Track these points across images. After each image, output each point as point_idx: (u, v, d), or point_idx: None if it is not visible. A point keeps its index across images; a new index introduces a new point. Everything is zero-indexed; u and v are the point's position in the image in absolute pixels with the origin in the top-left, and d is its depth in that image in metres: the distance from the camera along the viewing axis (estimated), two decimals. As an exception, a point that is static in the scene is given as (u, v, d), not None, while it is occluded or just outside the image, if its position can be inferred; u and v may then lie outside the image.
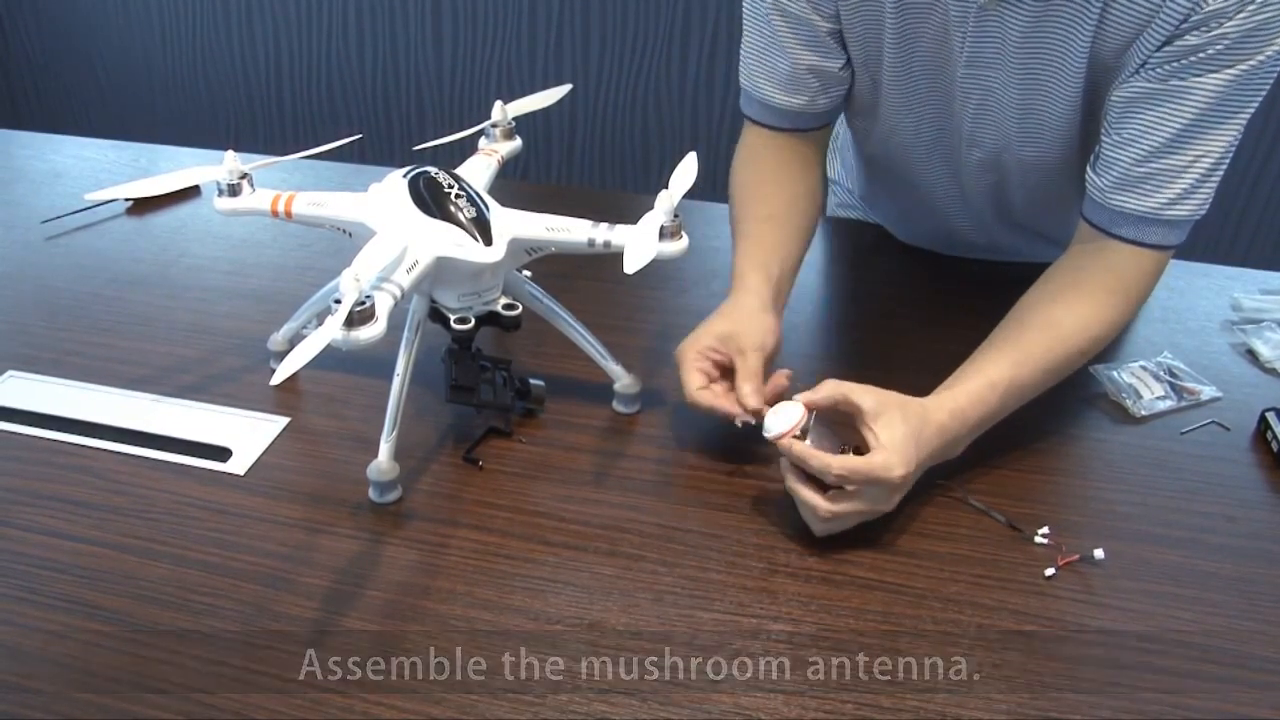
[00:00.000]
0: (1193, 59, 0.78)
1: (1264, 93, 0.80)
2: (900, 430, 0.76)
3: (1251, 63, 0.77)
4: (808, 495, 0.78)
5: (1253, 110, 0.80)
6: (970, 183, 1.02)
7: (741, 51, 0.98)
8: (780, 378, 0.87)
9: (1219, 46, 0.76)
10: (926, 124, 0.97)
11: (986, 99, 0.91)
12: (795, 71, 0.95)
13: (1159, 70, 0.80)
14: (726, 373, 0.87)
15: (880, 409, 0.77)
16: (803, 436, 0.78)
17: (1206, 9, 0.75)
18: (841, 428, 0.80)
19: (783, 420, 0.79)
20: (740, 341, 0.85)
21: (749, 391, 0.83)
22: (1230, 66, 0.77)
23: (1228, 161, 0.82)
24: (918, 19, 0.88)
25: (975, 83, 0.90)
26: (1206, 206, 0.84)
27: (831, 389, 0.79)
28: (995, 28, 0.85)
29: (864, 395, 0.78)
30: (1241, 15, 0.75)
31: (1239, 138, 0.82)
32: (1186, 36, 0.77)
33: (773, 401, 0.83)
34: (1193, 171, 0.82)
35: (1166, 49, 0.79)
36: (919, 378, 0.85)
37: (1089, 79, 0.85)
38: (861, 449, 0.78)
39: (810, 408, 0.79)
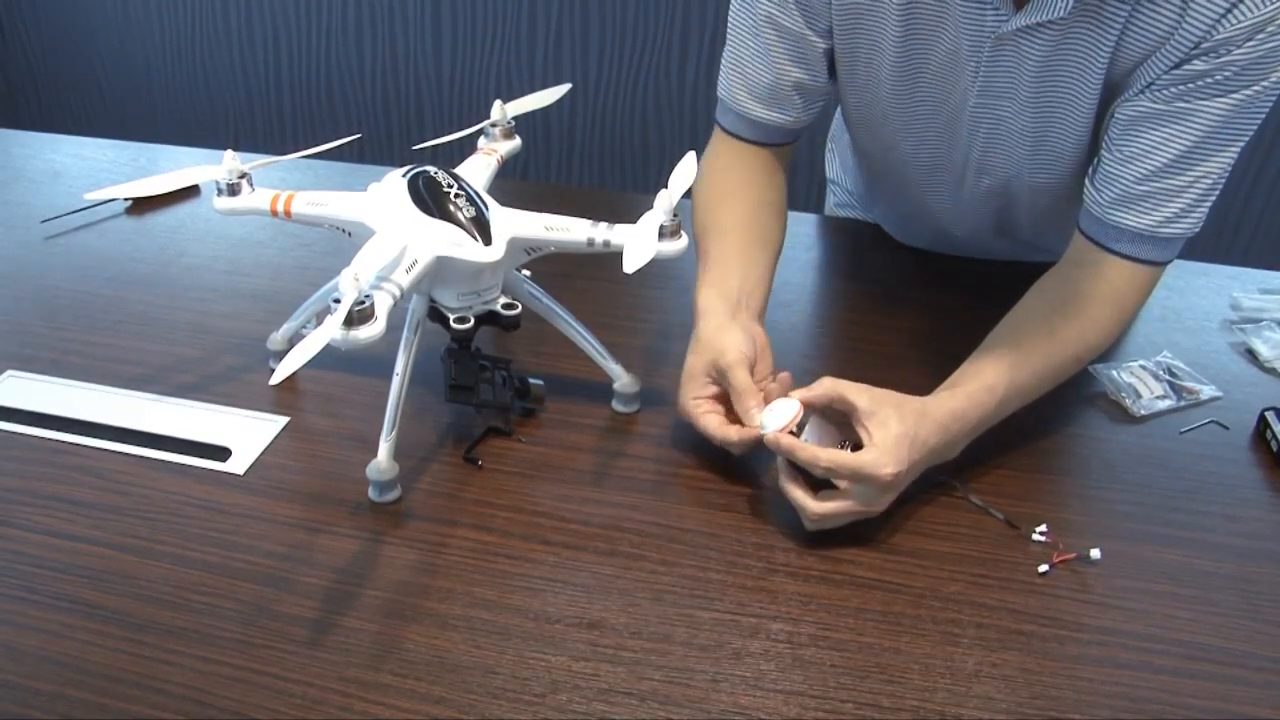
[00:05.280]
0: (1200, 83, 0.78)
1: (1263, 116, 0.80)
2: (894, 429, 0.76)
3: (1256, 88, 0.78)
4: (797, 495, 0.78)
5: (1252, 133, 0.81)
6: (973, 205, 1.02)
7: (723, 62, 0.97)
8: (776, 386, 0.84)
9: (1226, 73, 0.77)
10: (928, 147, 0.97)
11: (998, 128, 0.91)
12: (779, 86, 0.94)
13: (1165, 92, 0.80)
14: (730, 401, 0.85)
15: (875, 407, 0.77)
16: (797, 433, 0.78)
17: (1217, 36, 0.76)
18: (843, 427, 0.80)
19: (777, 417, 0.79)
20: (719, 363, 0.83)
21: (750, 408, 0.81)
22: (1235, 92, 0.78)
23: (1224, 182, 0.83)
24: (924, 46, 0.87)
25: (987, 112, 0.89)
26: (1200, 225, 0.85)
27: (827, 387, 0.79)
28: (1011, 58, 0.84)
29: (859, 394, 0.78)
30: (1251, 43, 0.75)
31: (1235, 159, 0.82)
32: (1195, 61, 0.78)
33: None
34: (1191, 192, 0.83)
35: (1175, 72, 0.79)
36: (919, 378, 0.85)
37: (1102, 103, 0.85)
38: (860, 447, 0.78)
39: (805, 405, 0.79)
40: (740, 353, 0.83)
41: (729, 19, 0.95)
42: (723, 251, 0.93)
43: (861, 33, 0.89)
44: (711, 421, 0.84)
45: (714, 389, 0.85)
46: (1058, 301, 0.88)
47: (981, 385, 0.83)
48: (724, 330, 0.85)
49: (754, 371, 0.84)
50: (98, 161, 1.36)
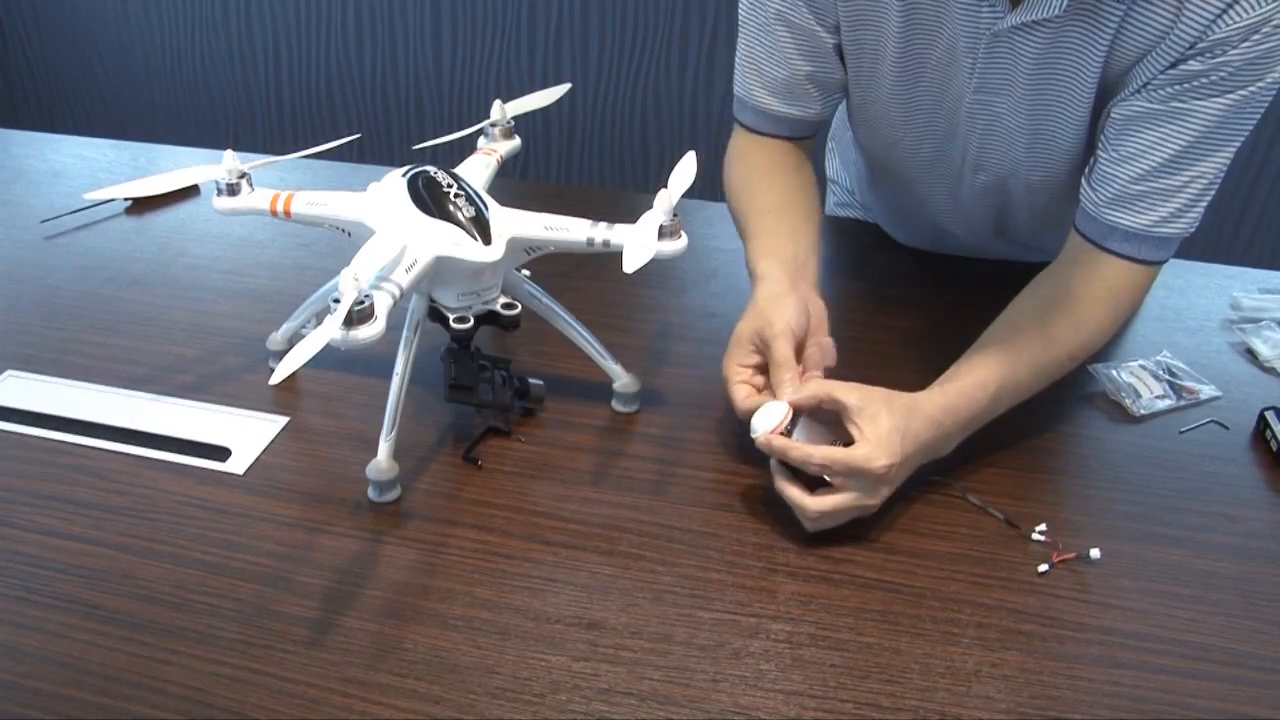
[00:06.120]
0: (1196, 83, 0.78)
1: (1259, 116, 0.80)
2: (885, 424, 0.76)
3: (1251, 88, 0.78)
4: (794, 494, 0.78)
5: (1248, 133, 0.81)
6: (972, 203, 1.02)
7: (737, 59, 0.97)
8: (815, 350, 0.83)
9: (1222, 73, 0.77)
10: (928, 143, 0.97)
11: (994, 124, 0.91)
12: (794, 80, 0.94)
13: (1161, 91, 0.80)
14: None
15: (864, 404, 0.78)
16: (788, 435, 0.78)
17: (1213, 36, 0.76)
18: (834, 426, 0.80)
19: (767, 420, 0.79)
20: (766, 333, 0.83)
21: (784, 380, 0.80)
22: (1231, 92, 0.78)
23: (1220, 182, 0.83)
24: (924, 42, 0.87)
25: (983, 108, 0.90)
26: (1196, 225, 0.85)
27: (816, 388, 0.80)
28: (1007, 54, 0.84)
29: (848, 392, 0.78)
30: (1246, 44, 0.75)
31: (1231, 159, 0.82)
32: (1191, 61, 0.78)
33: (826, 372, 0.82)
34: (1187, 191, 0.83)
35: (1170, 72, 0.79)
36: (918, 377, 0.85)
37: (1098, 101, 0.85)
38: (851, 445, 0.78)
39: (795, 407, 0.79)
40: (787, 324, 0.82)
41: (739, 17, 0.95)
42: (771, 226, 0.93)
43: (866, 28, 0.90)
44: (740, 391, 0.83)
45: (757, 357, 0.84)
46: (1053, 300, 0.88)
47: (974, 381, 0.83)
48: (779, 300, 0.85)
49: (808, 341, 0.84)
50: (98, 161, 1.36)
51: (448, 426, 0.91)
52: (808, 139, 1.01)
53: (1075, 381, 0.92)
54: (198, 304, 1.06)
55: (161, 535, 0.79)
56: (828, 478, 0.77)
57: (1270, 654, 0.73)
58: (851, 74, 0.95)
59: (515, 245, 0.83)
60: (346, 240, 0.85)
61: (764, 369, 0.84)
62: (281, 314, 0.96)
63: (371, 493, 0.82)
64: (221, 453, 0.87)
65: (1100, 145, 0.86)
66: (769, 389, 0.83)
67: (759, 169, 0.99)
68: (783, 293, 0.85)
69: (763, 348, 0.83)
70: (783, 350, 0.81)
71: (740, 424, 0.83)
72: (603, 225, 0.82)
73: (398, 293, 0.74)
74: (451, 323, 0.83)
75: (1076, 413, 0.96)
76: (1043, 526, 0.81)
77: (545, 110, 1.00)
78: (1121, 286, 0.87)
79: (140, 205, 1.25)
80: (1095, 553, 0.79)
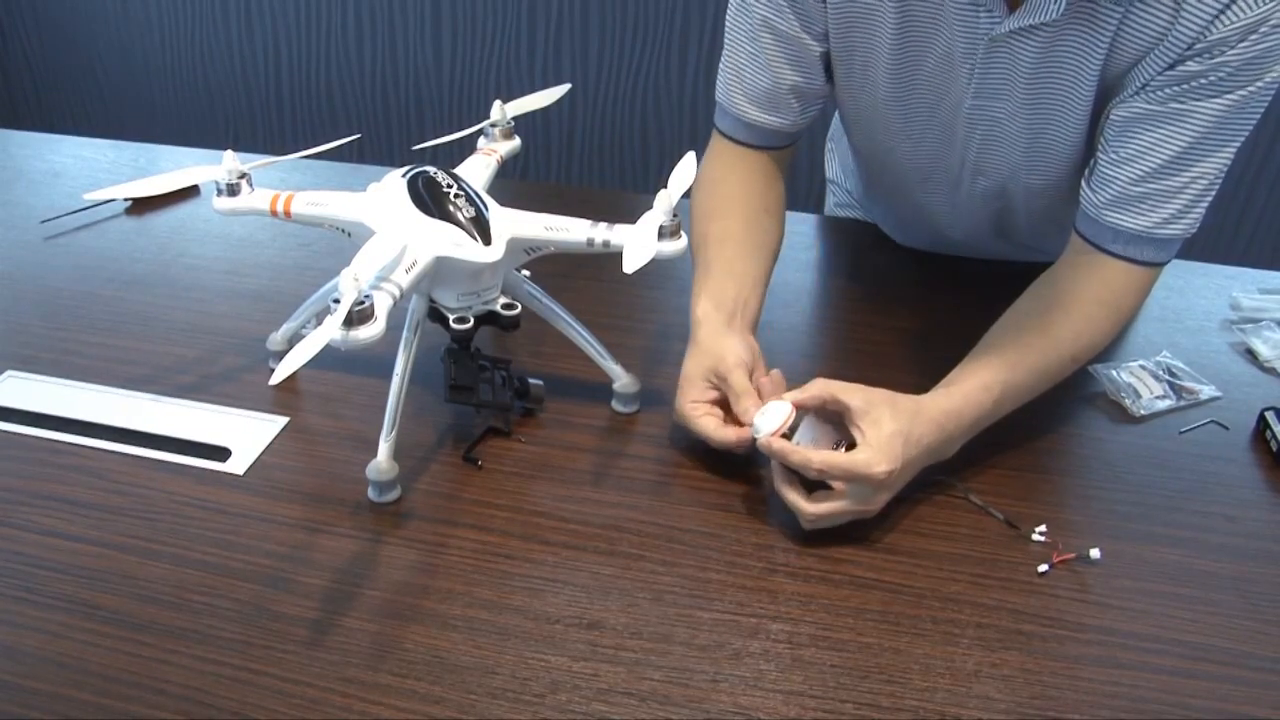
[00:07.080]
0: (1194, 84, 0.78)
1: (1259, 116, 0.80)
2: (888, 428, 0.76)
3: (1250, 89, 0.78)
4: (793, 498, 0.78)
5: (1247, 133, 0.81)
6: (971, 206, 1.02)
7: (721, 67, 0.97)
8: (769, 381, 0.84)
9: (1221, 74, 0.77)
10: (925, 149, 0.97)
11: (993, 129, 0.91)
12: (776, 90, 0.94)
13: (1160, 93, 0.80)
14: (729, 406, 0.85)
15: (868, 407, 0.77)
16: (790, 436, 0.78)
17: (1211, 37, 0.76)
18: (839, 426, 0.80)
19: (770, 420, 0.79)
20: (719, 369, 0.84)
21: (748, 408, 0.81)
22: (1230, 92, 0.78)
23: (1220, 182, 0.83)
24: (920, 47, 0.87)
25: (982, 113, 0.89)
26: (1197, 226, 0.85)
27: (820, 388, 0.79)
28: (1006, 59, 0.84)
29: (852, 394, 0.78)
30: (1244, 44, 0.75)
31: (1232, 159, 0.82)
32: (1189, 62, 0.78)
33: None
34: (1188, 193, 0.83)
35: (1169, 73, 0.79)
36: (917, 378, 0.85)
37: (1097, 104, 0.85)
38: (855, 447, 0.78)
39: (799, 407, 0.79)
40: (739, 357, 0.84)
41: (726, 23, 0.95)
42: (719, 259, 0.93)
43: (857, 36, 0.89)
44: (709, 424, 0.84)
45: (712, 394, 0.85)
46: (1054, 302, 0.88)
47: (977, 384, 0.83)
48: (719, 340, 0.86)
49: (753, 377, 0.84)
50: (98, 161, 1.36)
51: (448, 426, 0.91)
52: (785, 149, 1.01)
53: (1076, 382, 0.92)
54: (198, 304, 1.07)
55: (161, 535, 0.79)
56: (828, 482, 0.77)
57: (1270, 654, 0.73)
58: (842, 81, 0.95)
59: (515, 245, 0.83)
60: (346, 240, 0.85)
61: (720, 403, 0.85)
62: (281, 314, 0.96)
63: (371, 493, 0.82)
64: (221, 453, 0.87)
65: (1100, 147, 0.86)
66: (731, 419, 0.84)
67: (727, 188, 0.99)
68: (720, 333, 0.86)
69: (719, 383, 0.84)
70: (741, 380, 0.83)
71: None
72: (603, 225, 0.82)
73: (398, 293, 0.74)
74: (451, 323, 0.83)
75: (1077, 413, 0.96)
76: (1043, 527, 0.81)
77: (545, 110, 1.00)
78: (1122, 288, 0.87)
79: (140, 205, 1.25)
80: (1095, 553, 0.79)
